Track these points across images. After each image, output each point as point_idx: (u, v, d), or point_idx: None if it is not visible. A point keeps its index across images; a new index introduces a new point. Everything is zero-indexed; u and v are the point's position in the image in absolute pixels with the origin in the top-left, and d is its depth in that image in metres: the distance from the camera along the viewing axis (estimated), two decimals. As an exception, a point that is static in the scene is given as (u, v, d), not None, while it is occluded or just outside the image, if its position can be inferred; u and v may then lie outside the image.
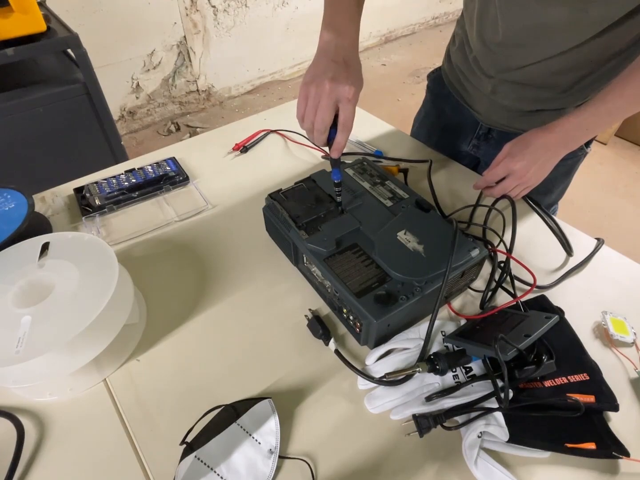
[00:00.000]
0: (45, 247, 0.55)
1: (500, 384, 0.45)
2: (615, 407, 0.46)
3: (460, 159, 0.86)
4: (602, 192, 2.10)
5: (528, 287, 0.61)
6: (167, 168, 0.82)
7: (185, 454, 0.43)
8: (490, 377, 0.46)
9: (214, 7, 2.44)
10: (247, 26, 2.63)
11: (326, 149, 0.56)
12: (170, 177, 0.80)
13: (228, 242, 0.69)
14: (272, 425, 0.46)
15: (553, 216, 0.72)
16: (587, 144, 0.78)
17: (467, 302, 0.60)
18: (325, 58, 0.50)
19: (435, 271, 0.52)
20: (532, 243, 0.67)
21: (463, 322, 0.56)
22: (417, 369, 0.47)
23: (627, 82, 0.55)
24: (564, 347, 0.51)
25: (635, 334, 0.54)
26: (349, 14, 0.55)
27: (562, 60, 0.62)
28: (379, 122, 0.98)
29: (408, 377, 0.48)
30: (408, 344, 0.52)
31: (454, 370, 0.49)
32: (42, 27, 1.22)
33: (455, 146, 0.88)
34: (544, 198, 0.82)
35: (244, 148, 0.89)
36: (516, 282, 0.60)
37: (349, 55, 0.52)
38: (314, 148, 0.88)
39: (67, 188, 0.79)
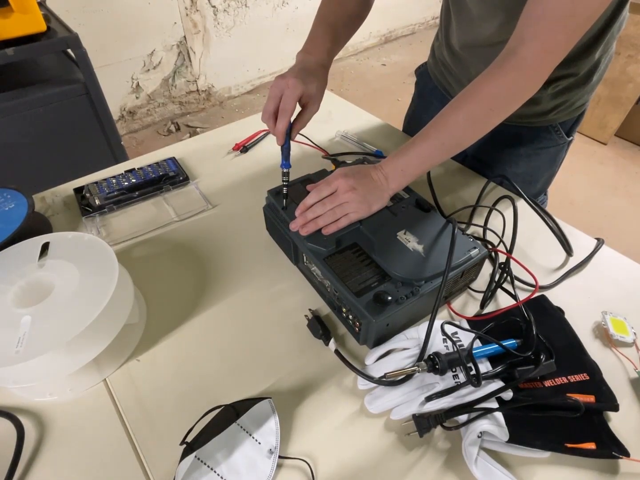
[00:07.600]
0: (45, 247, 0.56)
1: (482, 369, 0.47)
2: (615, 407, 0.46)
3: None
4: (602, 192, 2.10)
5: (528, 287, 0.61)
6: (167, 168, 0.82)
7: (185, 454, 0.43)
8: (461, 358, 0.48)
9: (214, 7, 2.44)
10: (247, 26, 2.63)
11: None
12: (170, 177, 0.80)
13: (228, 241, 0.69)
14: (272, 425, 0.46)
15: (553, 216, 0.71)
16: (569, 132, 0.78)
17: (467, 302, 0.60)
18: (291, 69, 0.62)
19: (434, 271, 0.52)
20: (532, 243, 0.67)
21: (463, 322, 0.56)
22: (417, 369, 0.47)
23: (432, 126, 0.58)
24: (564, 347, 0.51)
25: (635, 334, 0.54)
26: (320, 41, 0.67)
27: None
28: (379, 122, 0.98)
29: (408, 377, 0.48)
30: (407, 343, 0.52)
31: (453, 370, 0.49)
32: (42, 27, 1.23)
33: None
34: (529, 187, 0.83)
35: (244, 148, 0.89)
36: (516, 283, 0.60)
37: (310, 65, 0.63)
38: (315, 148, 0.88)
39: (67, 188, 0.79)
